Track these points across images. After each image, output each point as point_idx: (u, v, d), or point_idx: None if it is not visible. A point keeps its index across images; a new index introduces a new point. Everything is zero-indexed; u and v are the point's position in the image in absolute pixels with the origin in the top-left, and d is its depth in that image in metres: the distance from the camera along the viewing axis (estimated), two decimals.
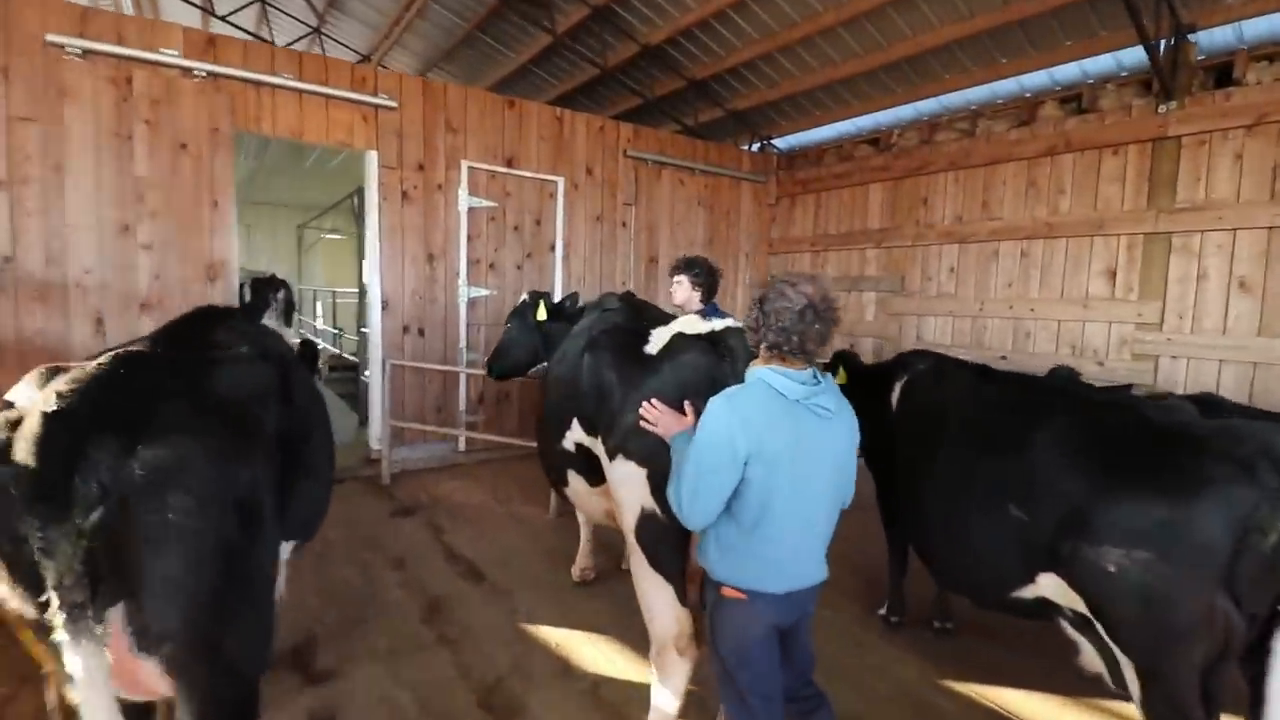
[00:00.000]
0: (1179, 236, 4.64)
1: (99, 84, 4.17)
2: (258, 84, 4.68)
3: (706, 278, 3.73)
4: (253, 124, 4.71)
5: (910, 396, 3.01)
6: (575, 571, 3.76)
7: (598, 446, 2.44)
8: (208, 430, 1.57)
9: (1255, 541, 1.77)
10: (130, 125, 4.29)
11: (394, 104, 5.23)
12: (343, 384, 8.77)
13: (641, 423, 2.10)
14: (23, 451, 1.35)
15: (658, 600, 2.23)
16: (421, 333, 5.57)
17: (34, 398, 1.49)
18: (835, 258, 7.21)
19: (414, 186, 5.46)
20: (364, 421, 6.77)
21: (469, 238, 5.76)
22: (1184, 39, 4.58)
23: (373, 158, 5.26)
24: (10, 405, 1.52)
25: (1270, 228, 4.21)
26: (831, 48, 6.27)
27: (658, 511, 2.17)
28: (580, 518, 3.76)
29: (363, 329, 7.11)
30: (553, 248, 6.29)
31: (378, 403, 5.29)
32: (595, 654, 3.05)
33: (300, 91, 4.85)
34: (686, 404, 2.09)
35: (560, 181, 6.23)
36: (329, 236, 11.22)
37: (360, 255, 10.65)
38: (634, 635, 3.17)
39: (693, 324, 2.41)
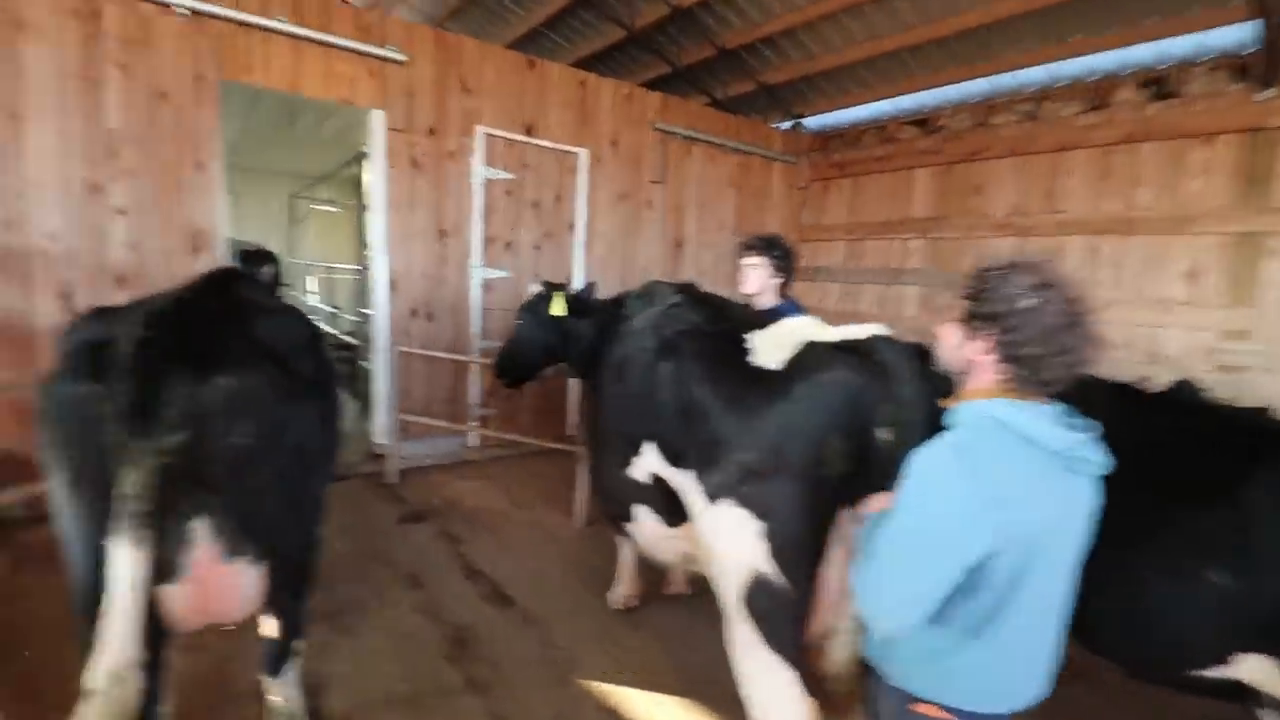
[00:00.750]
0: (1276, 239, 4.23)
1: (62, 18, 3.55)
2: (248, 26, 4.07)
3: (787, 262, 3.13)
4: (242, 73, 4.11)
5: None
6: (616, 599, 3.31)
7: (686, 481, 1.95)
8: (269, 368, 1.78)
9: None
10: (100, 68, 3.67)
11: (403, 58, 4.64)
12: (339, 365, 8.20)
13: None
14: (116, 374, 1.51)
15: (772, 687, 1.76)
16: (430, 317, 5.05)
17: (112, 331, 1.62)
18: (873, 248, 6.75)
19: (424, 153, 4.89)
20: (363, 409, 6.25)
21: (485, 213, 5.21)
22: None
23: (379, 118, 4.69)
24: (102, 336, 1.64)
25: None
26: (881, 18, 5.74)
27: (778, 578, 1.69)
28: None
29: (361, 309, 6.55)
30: (573, 227, 5.75)
31: (384, 393, 4.77)
32: (652, 706, 2.61)
33: (297, 38, 4.24)
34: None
35: (583, 154, 5.68)
36: (322, 208, 10.53)
37: (359, 229, 10.00)
38: (692, 680, 2.76)
39: (817, 329, 1.90)
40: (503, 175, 5.25)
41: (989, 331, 1.29)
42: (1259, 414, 2.10)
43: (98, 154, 3.69)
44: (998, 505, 1.20)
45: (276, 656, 2.12)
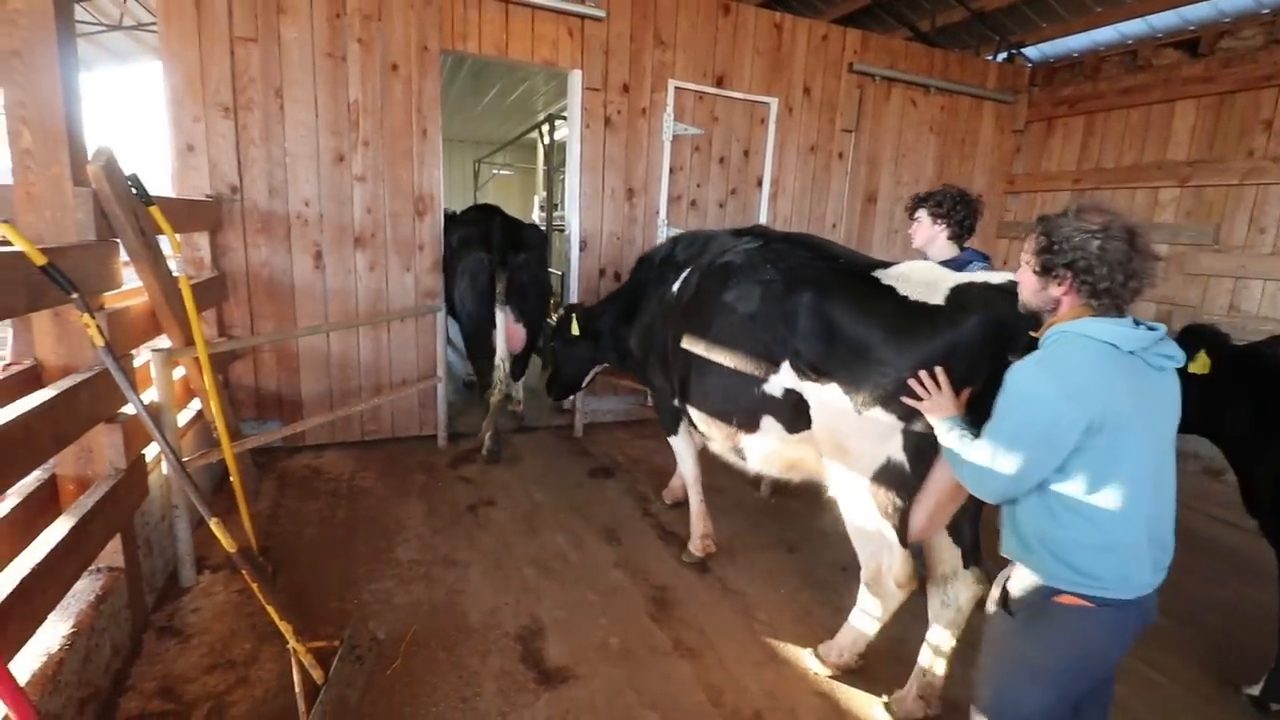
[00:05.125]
0: None
1: (315, 0, 3.90)
2: None
3: (953, 209, 2.96)
4: (459, 41, 4.28)
5: None
6: (696, 546, 3.35)
7: (825, 393, 2.29)
8: (534, 249, 4.54)
9: None
10: (344, 45, 4.00)
11: (601, 14, 4.58)
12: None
13: (906, 398, 1.98)
14: (495, 248, 4.26)
15: (881, 537, 2.28)
16: (617, 277, 5.08)
17: (482, 230, 4.48)
18: (1107, 200, 5.72)
19: (618, 111, 4.85)
20: (546, 366, 6.56)
21: (671, 170, 5.11)
22: None
23: (577, 78, 4.70)
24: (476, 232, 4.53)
25: None
26: None
27: (905, 465, 2.13)
28: (691, 477, 3.43)
29: (550, 269, 6.86)
30: (760, 183, 5.48)
31: None
32: (864, 699, 2.45)
33: (506, 2, 4.33)
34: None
35: (773, 104, 5.34)
36: (500, 173, 11.16)
37: (533, 190, 10.43)
38: (903, 673, 2.56)
39: (949, 273, 2.19)
40: (692, 131, 5.09)
41: (1067, 276, 1.51)
42: None
43: (342, 125, 4.06)
44: (1075, 397, 1.42)
45: (516, 373, 4.66)
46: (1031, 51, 6.57)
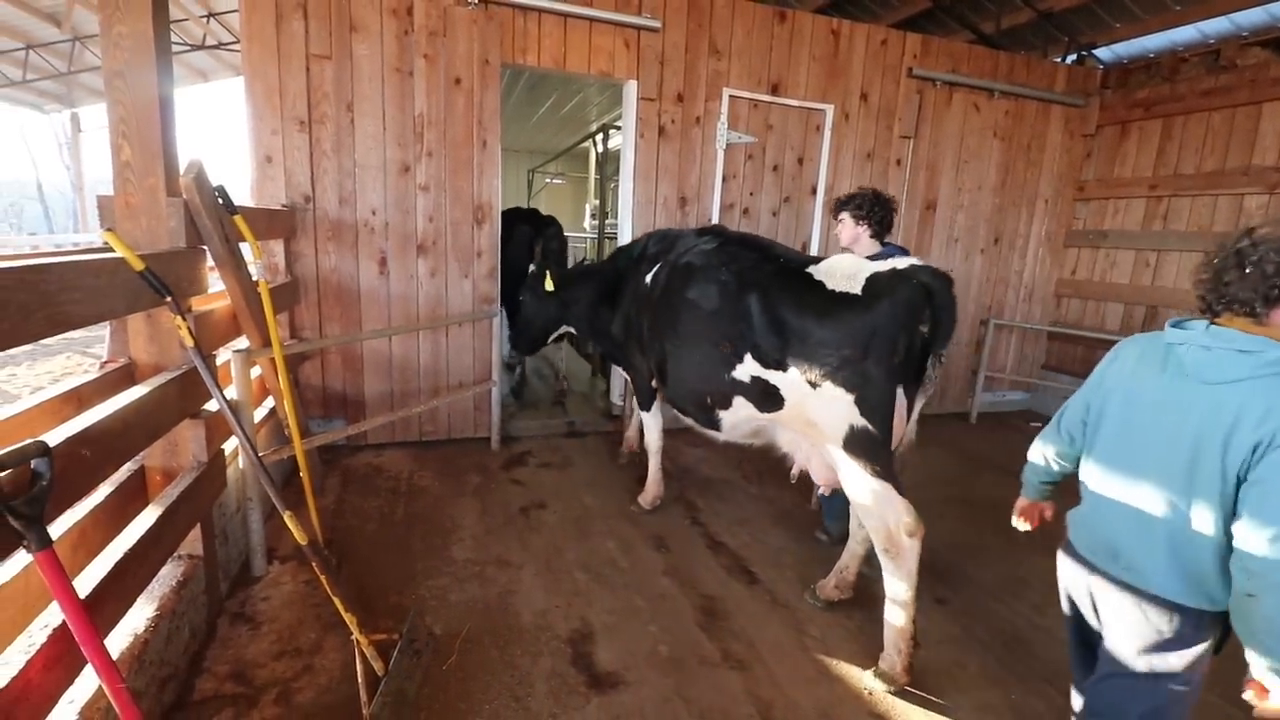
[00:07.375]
0: None
1: (385, 17, 4.07)
2: (525, 9, 4.33)
3: (872, 210, 3.22)
4: (519, 55, 4.39)
5: None
6: (646, 501, 3.92)
7: (786, 379, 2.62)
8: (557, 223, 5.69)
9: None
10: (411, 60, 4.16)
11: (657, 24, 4.63)
12: None
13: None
14: (547, 228, 5.41)
15: (879, 497, 2.46)
16: None
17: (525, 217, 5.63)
18: (1186, 207, 5.44)
19: (671, 120, 4.88)
20: (595, 372, 6.63)
21: (724, 178, 5.10)
22: None
23: (632, 89, 4.75)
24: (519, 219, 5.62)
25: None
26: None
27: (869, 427, 2.42)
28: (655, 447, 3.88)
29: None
30: (814, 191, 5.41)
31: None
32: (922, 718, 2.38)
33: (565, 15, 4.42)
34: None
35: (829, 111, 5.28)
36: (554, 181, 11.36)
37: (584, 198, 10.61)
38: (961, 692, 2.47)
39: (866, 264, 2.54)
40: (745, 139, 5.08)
41: None
42: None
43: (408, 137, 4.23)
44: (1110, 362, 1.70)
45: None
46: (1103, 53, 6.31)
